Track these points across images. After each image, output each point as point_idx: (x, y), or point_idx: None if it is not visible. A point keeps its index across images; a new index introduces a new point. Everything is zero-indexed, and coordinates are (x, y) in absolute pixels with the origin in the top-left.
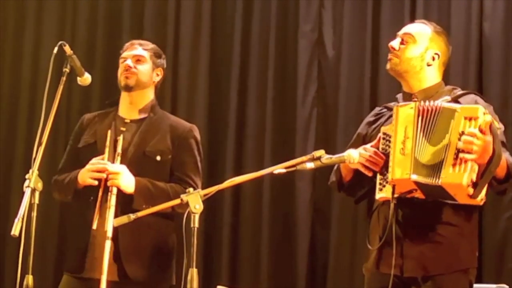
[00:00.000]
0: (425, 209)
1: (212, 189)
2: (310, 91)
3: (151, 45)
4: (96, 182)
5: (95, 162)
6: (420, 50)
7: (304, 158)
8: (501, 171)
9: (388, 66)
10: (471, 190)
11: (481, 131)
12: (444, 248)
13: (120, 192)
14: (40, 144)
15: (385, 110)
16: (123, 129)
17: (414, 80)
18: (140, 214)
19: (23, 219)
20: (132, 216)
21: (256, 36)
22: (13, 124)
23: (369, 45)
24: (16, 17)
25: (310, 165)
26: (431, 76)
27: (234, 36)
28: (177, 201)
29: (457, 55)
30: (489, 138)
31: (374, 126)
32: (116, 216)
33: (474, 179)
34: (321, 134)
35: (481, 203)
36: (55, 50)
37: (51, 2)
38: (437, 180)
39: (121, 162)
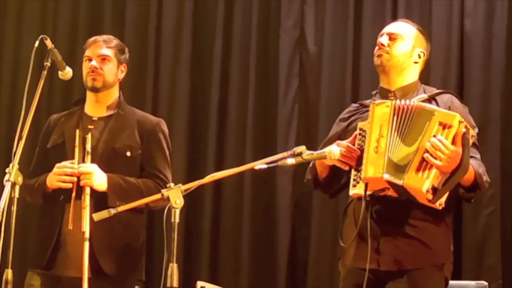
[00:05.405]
0: (399, 206)
1: (193, 184)
2: (292, 87)
3: (114, 41)
4: (70, 185)
5: (62, 166)
6: (408, 47)
7: (285, 154)
8: (467, 180)
9: (377, 61)
10: (430, 196)
11: (453, 142)
12: (419, 243)
13: (92, 191)
14: (20, 138)
15: (360, 107)
16: (91, 127)
17: (397, 76)
18: (120, 209)
19: (3, 213)
20: (113, 211)
21: (238, 32)
22: None
23: (351, 42)
24: None
25: (291, 161)
26: (413, 74)
27: (215, 32)
28: (157, 196)
29: (438, 53)
30: (459, 149)
31: (348, 122)
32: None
33: (436, 185)
34: (303, 130)
35: (440, 208)
36: (36, 43)
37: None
38: (400, 180)
39: (92, 160)
